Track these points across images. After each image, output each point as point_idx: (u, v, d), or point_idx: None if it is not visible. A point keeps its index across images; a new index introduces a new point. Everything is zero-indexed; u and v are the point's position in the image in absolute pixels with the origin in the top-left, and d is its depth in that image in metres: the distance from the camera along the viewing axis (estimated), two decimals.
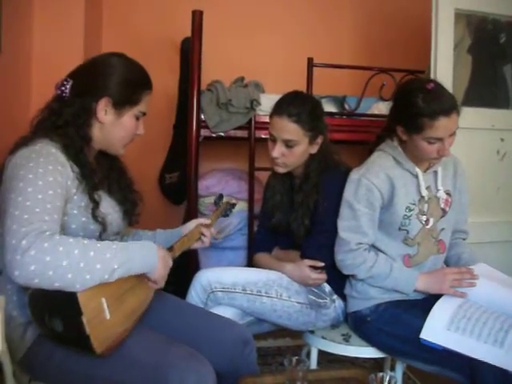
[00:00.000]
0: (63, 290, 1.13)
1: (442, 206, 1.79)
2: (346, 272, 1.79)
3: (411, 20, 3.41)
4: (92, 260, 1.15)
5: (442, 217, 1.80)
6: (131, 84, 1.42)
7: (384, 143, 1.83)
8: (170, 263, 1.41)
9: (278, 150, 1.85)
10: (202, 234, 1.73)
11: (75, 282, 1.13)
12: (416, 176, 1.76)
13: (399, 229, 1.74)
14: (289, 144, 1.83)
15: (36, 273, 1.09)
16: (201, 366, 1.26)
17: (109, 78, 1.40)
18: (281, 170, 1.91)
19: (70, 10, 2.69)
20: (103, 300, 1.21)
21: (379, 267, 1.73)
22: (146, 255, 1.30)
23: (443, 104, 1.60)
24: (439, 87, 1.65)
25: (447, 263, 1.90)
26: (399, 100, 1.76)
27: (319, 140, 1.88)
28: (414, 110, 1.62)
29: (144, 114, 1.48)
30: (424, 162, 1.77)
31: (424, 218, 1.76)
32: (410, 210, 1.73)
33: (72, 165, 1.33)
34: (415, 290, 1.73)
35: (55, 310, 1.18)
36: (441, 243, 1.81)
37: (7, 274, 1.10)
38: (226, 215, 1.98)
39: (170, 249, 1.53)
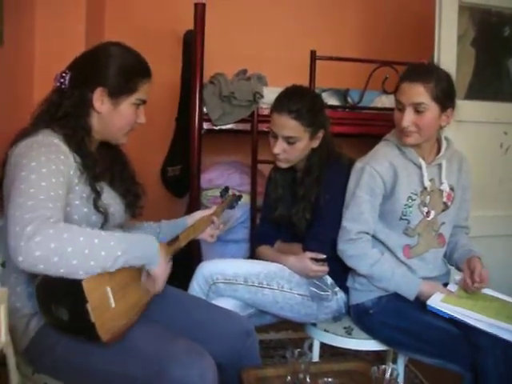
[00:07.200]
0: (67, 276, 1.13)
1: (445, 199, 1.79)
2: (348, 263, 1.79)
3: (415, 12, 3.39)
4: (96, 247, 1.15)
5: (444, 211, 1.80)
6: (126, 72, 1.40)
7: (390, 133, 1.85)
8: (170, 265, 1.39)
9: (279, 147, 1.85)
10: (212, 222, 1.75)
11: (79, 269, 1.13)
12: (419, 167, 1.76)
13: (400, 218, 1.75)
14: (290, 140, 1.83)
15: (41, 259, 1.08)
16: (202, 360, 1.26)
17: (103, 67, 1.39)
18: (283, 165, 1.91)
19: (73, 2, 2.68)
20: (108, 289, 1.21)
21: (381, 268, 1.73)
22: (148, 245, 1.30)
23: None
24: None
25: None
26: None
27: (320, 134, 1.88)
28: None
29: (144, 101, 1.46)
30: (429, 154, 1.79)
31: (425, 209, 1.76)
32: (412, 200, 1.74)
33: (74, 155, 1.33)
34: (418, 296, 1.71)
35: (61, 298, 1.19)
36: (441, 237, 1.82)
37: (11, 260, 1.10)
38: (232, 207, 2.00)
39: (176, 239, 1.53)
